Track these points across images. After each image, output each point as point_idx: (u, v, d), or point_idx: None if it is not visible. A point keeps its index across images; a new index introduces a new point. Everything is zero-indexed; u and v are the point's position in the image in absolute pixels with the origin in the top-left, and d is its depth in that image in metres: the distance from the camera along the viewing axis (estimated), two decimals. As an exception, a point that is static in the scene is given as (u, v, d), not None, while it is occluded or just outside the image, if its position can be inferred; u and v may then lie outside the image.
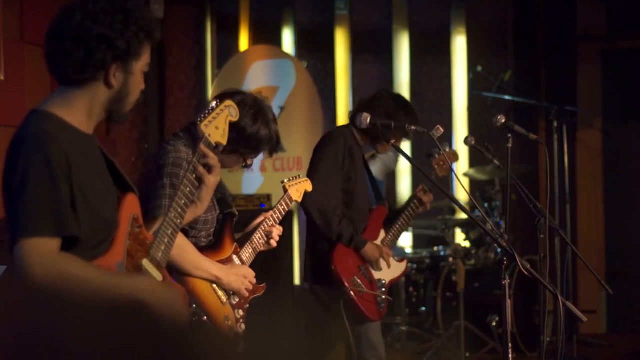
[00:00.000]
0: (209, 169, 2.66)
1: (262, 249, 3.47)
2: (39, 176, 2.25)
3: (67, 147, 2.31)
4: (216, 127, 2.66)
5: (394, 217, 4.45)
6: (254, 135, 3.32)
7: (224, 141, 2.68)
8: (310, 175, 4.17)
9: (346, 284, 4.14)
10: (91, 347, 1.33)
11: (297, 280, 6.29)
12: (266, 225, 3.46)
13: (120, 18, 2.37)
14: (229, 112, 2.70)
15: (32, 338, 1.40)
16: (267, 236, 3.46)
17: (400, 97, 4.44)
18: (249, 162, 3.43)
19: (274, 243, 3.48)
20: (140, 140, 6.42)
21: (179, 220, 2.54)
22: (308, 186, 3.70)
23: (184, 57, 6.74)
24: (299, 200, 3.66)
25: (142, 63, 2.46)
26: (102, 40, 2.35)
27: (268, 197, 5.88)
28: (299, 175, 3.72)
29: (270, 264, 3.49)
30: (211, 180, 2.68)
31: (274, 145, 3.43)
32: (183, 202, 2.55)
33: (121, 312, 2.30)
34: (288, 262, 5.61)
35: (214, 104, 2.70)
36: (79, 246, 2.31)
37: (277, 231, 3.48)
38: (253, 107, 3.34)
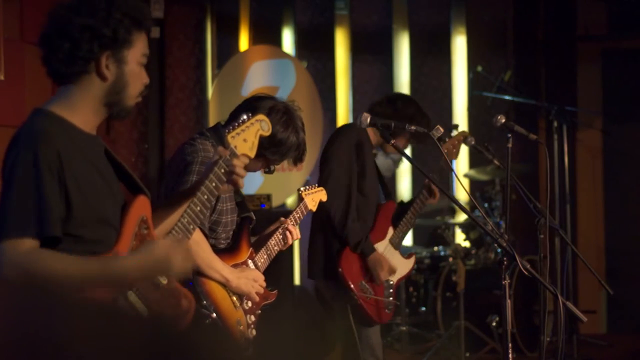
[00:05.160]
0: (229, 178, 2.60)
1: (278, 249, 3.50)
2: (25, 176, 2.23)
3: (62, 145, 2.28)
4: (244, 140, 2.59)
5: (402, 211, 4.43)
6: (284, 141, 3.32)
7: (252, 154, 2.62)
8: (321, 174, 4.23)
9: (354, 290, 4.13)
10: (76, 345, 1.31)
11: (297, 280, 6.28)
12: (280, 234, 3.48)
13: (102, 6, 2.34)
14: (260, 126, 2.64)
15: (11, 339, 1.38)
16: (284, 235, 3.48)
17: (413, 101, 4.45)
18: (272, 167, 3.42)
19: (289, 242, 3.50)
20: (140, 140, 6.42)
21: (191, 226, 2.49)
22: (323, 196, 3.73)
23: (184, 57, 6.73)
24: (314, 209, 3.68)
25: (136, 53, 2.40)
26: (85, 30, 2.33)
27: (268, 197, 5.88)
28: (315, 185, 3.74)
29: (270, 264, 3.49)
30: (225, 189, 2.64)
31: (300, 154, 3.42)
32: (198, 208, 2.50)
33: (106, 294, 2.28)
34: (288, 262, 5.61)
35: (245, 116, 2.63)
36: (77, 243, 2.30)
37: (295, 234, 3.50)
38: (285, 113, 3.35)
